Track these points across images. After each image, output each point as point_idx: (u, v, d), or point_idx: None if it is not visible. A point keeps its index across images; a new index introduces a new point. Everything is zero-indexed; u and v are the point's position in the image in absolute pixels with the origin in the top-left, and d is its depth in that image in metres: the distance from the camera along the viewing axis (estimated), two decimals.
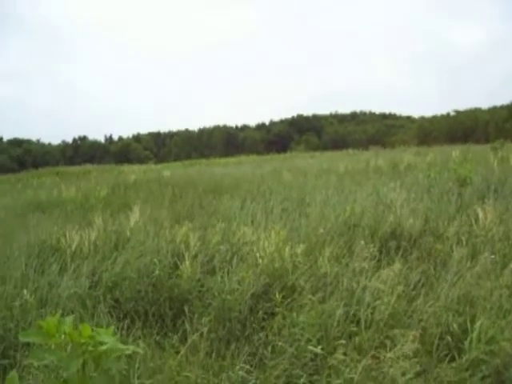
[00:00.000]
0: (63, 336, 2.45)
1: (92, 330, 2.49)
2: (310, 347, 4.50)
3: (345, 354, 4.44)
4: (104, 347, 2.40)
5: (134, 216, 9.34)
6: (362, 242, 7.28)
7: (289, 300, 5.70)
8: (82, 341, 2.41)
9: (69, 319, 2.54)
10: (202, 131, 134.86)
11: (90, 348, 2.43)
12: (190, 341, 4.94)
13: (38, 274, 7.07)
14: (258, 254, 6.79)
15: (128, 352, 2.53)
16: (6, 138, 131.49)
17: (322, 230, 8.00)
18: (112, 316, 5.77)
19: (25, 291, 6.08)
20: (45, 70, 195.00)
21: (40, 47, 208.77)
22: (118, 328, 5.32)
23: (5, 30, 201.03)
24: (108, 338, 2.45)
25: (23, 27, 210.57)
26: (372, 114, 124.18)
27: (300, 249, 6.97)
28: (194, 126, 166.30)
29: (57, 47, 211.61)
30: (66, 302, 6.01)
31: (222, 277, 6.31)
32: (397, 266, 6.31)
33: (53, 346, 2.46)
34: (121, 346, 2.48)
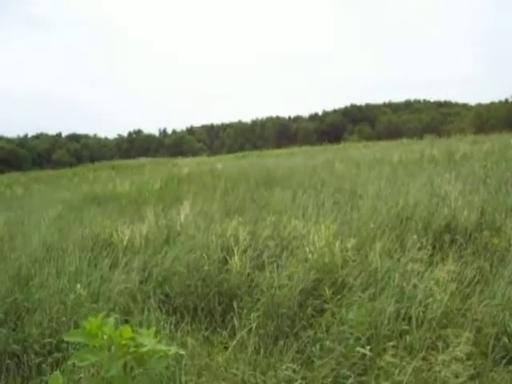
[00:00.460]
0: (105, 337, 2.46)
1: (134, 330, 2.49)
2: (358, 348, 4.40)
3: (394, 355, 4.33)
4: (145, 349, 2.39)
5: (185, 210, 9.39)
6: (415, 237, 7.10)
7: (338, 296, 5.61)
8: (123, 342, 2.40)
9: (111, 320, 2.55)
10: (254, 123, 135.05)
11: (132, 349, 2.43)
12: (238, 337, 4.92)
13: (92, 268, 7.20)
14: (307, 249, 6.72)
15: (170, 353, 2.52)
16: (64, 134, 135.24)
17: (372, 225, 7.84)
18: (162, 311, 5.80)
19: (78, 285, 6.19)
20: (101, 68, 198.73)
21: (95, 46, 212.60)
22: (167, 323, 5.37)
23: (62, 30, 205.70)
24: (149, 340, 2.44)
25: (78, 27, 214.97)
26: (427, 102, 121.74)
27: (351, 243, 6.87)
28: (247, 117, 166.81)
29: (110, 45, 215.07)
30: (117, 296, 6.09)
31: (271, 272, 6.27)
32: (450, 261, 6.13)
33: (96, 347, 2.47)
34: (162, 347, 2.47)
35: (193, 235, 7.98)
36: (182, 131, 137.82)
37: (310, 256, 6.54)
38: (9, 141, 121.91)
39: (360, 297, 5.42)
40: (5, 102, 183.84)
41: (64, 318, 5.59)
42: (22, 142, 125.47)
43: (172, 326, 5.33)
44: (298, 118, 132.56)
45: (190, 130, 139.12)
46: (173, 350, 2.52)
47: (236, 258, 6.61)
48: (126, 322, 5.55)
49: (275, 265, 6.47)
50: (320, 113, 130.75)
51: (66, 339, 2.51)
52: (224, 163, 29.11)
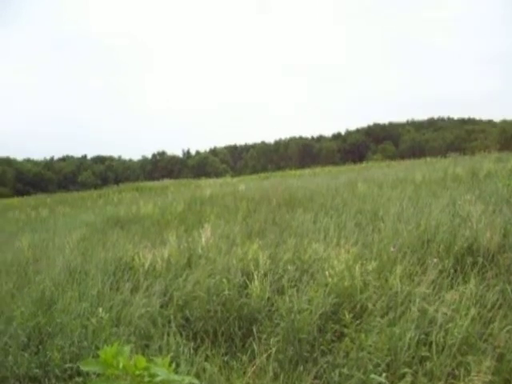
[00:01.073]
0: (121, 366, 2.49)
1: (148, 359, 2.51)
2: (373, 375, 4.36)
3: (414, 381, 4.29)
4: (159, 379, 2.41)
5: (206, 233, 9.44)
6: (436, 260, 7.04)
7: (358, 321, 5.58)
8: (137, 372, 2.43)
9: (127, 349, 2.57)
10: (278, 143, 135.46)
11: (146, 379, 2.45)
12: (257, 362, 4.92)
13: (113, 291, 7.27)
14: (327, 272, 6.70)
15: (184, 383, 2.53)
16: (90, 156, 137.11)
17: (392, 249, 7.80)
18: (182, 335, 5.82)
19: (100, 309, 6.25)
20: (124, 91, 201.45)
21: (116, 69, 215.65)
22: (187, 348, 5.39)
23: (86, 53, 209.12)
24: (163, 370, 2.46)
25: (98, 50, 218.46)
26: (450, 120, 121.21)
27: (371, 266, 6.83)
28: (270, 138, 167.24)
29: (132, 69, 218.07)
30: (137, 320, 6.13)
31: (291, 296, 6.25)
32: (472, 284, 6.06)
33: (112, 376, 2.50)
34: (176, 377, 2.49)
35: (214, 259, 8.01)
36: (205, 152, 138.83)
37: (329, 280, 6.52)
38: (36, 163, 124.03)
39: (380, 322, 5.39)
40: (33, 124, 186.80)
41: (85, 343, 5.65)
42: (49, 164, 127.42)
43: (192, 351, 5.35)
44: (320, 138, 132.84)
45: (214, 151, 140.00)
46: (187, 380, 2.54)
47: (256, 282, 6.61)
48: (146, 346, 5.59)
49: (295, 289, 6.46)
50: (343, 132, 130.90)
51: (81, 368, 2.54)
52: (247, 184, 29.18)
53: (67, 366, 5.30)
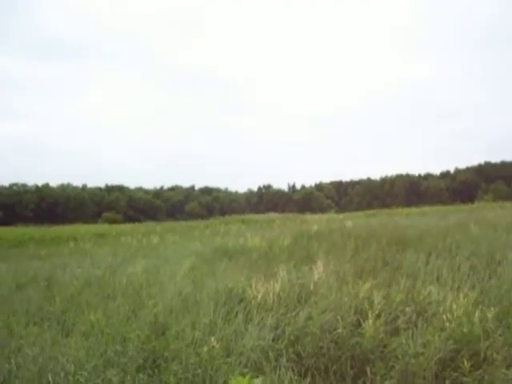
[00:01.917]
0: None
1: None
2: None
3: None
4: None
5: (318, 270, 9.40)
6: None
7: (479, 371, 5.33)
8: None
9: (258, 381, 2.62)
10: (383, 180, 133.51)
11: None
12: None
13: (225, 321, 7.38)
14: (444, 317, 6.47)
15: None
16: (197, 187, 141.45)
17: None
18: (293, 370, 5.80)
19: (212, 338, 6.36)
20: (229, 124, 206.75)
21: (218, 101, 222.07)
22: None
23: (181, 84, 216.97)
24: None
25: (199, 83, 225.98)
26: None
27: (491, 313, 6.53)
28: (376, 174, 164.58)
29: (242, 102, 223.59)
30: (249, 352, 6.17)
31: (406, 338, 6.09)
32: None
33: None
34: None
35: (325, 295, 7.96)
36: (310, 187, 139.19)
37: (447, 324, 6.29)
38: (146, 192, 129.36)
39: (504, 373, 5.12)
40: (144, 156, 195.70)
41: (199, 370, 5.75)
42: (159, 193, 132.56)
43: None
44: (428, 176, 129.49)
45: (319, 186, 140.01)
46: None
47: (370, 321, 6.50)
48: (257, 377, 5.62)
49: (410, 331, 6.29)
50: (452, 170, 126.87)
51: None
52: (353, 221, 28.87)
53: None
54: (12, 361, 6.27)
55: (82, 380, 5.54)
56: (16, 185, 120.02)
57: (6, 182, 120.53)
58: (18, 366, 6.13)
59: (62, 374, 5.74)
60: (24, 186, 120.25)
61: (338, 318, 6.74)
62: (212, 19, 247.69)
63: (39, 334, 7.64)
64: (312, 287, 8.69)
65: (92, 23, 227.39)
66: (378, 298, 7.30)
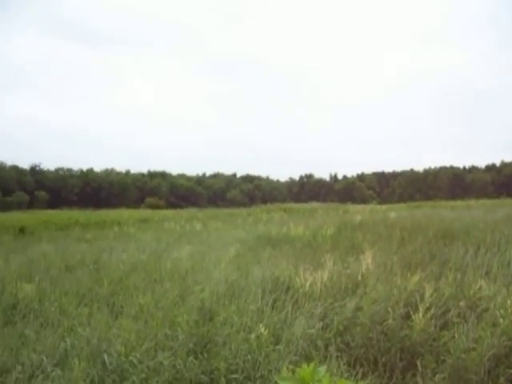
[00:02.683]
0: None
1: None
2: None
3: None
4: None
5: (366, 260, 9.36)
6: None
7: None
8: None
9: (322, 369, 2.62)
10: (427, 172, 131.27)
11: None
12: None
13: (272, 309, 7.41)
14: (497, 313, 6.36)
15: None
16: (239, 175, 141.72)
17: None
18: (342, 360, 5.80)
19: (260, 325, 6.40)
20: (273, 111, 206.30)
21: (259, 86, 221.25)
22: (349, 374, 5.36)
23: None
24: None
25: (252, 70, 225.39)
26: None
27: None
28: (419, 166, 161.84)
29: (271, 87, 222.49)
30: (298, 340, 6.19)
31: (457, 333, 6.02)
32: None
33: None
34: None
35: (374, 287, 7.91)
36: (352, 177, 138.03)
37: (500, 320, 6.18)
38: (189, 178, 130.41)
39: None
40: (186, 143, 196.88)
41: (249, 357, 5.80)
42: (200, 180, 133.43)
43: (353, 378, 5.31)
44: (472, 169, 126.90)
45: (361, 177, 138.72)
46: None
47: (420, 314, 6.44)
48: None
49: (461, 326, 6.20)
50: (498, 163, 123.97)
51: (278, 382, 2.61)
52: (396, 212, 28.58)
53: (232, 376, 5.48)
54: (67, 340, 6.43)
55: (134, 362, 5.64)
56: (62, 169, 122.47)
57: (52, 167, 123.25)
58: (73, 346, 6.28)
59: (115, 355, 5.86)
60: (69, 170, 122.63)
61: (389, 309, 6.70)
62: (261, 4, 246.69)
63: (90, 315, 7.81)
64: (360, 278, 8.65)
65: (134, 10, 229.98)
66: (429, 290, 7.21)
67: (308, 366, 2.58)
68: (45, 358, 5.90)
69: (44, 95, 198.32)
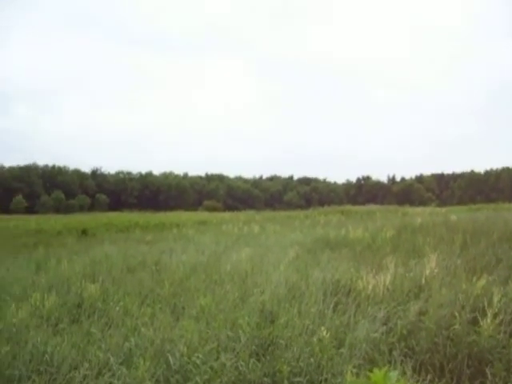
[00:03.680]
0: None
1: None
2: None
3: None
4: None
5: (430, 264, 9.17)
6: None
7: None
8: None
9: (394, 374, 2.57)
10: (488, 173, 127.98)
11: None
12: None
13: (334, 312, 7.34)
14: None
15: None
16: (296, 177, 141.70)
17: None
18: (406, 365, 5.68)
19: (322, 328, 6.35)
20: (329, 113, 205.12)
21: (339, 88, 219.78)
22: (414, 380, 5.25)
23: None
24: None
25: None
26: None
27: None
28: (480, 167, 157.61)
29: (329, 90, 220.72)
30: (361, 344, 6.10)
31: None
32: None
33: None
34: None
35: (438, 291, 7.73)
36: (410, 179, 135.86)
37: None
38: (246, 181, 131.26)
39: None
40: (243, 145, 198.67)
41: (312, 360, 5.76)
42: (257, 182, 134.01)
43: None
44: None
45: (420, 178, 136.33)
46: None
47: (488, 320, 6.25)
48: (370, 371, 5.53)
49: None
50: None
51: None
52: (457, 215, 27.89)
53: (296, 379, 5.45)
54: (131, 339, 6.54)
55: (198, 362, 5.68)
56: (122, 172, 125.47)
57: (112, 170, 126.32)
58: (137, 345, 6.38)
59: (178, 356, 5.92)
60: (129, 173, 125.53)
61: (456, 314, 6.53)
62: (310, 4, 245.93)
63: (152, 315, 7.92)
64: (423, 282, 8.48)
65: (208, 18, 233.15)
66: (498, 295, 6.98)
67: (380, 370, 2.53)
68: (111, 357, 6.02)
69: (105, 100, 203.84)
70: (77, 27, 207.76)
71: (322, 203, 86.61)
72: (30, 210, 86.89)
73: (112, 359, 5.95)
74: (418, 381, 5.31)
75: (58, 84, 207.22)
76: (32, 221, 41.67)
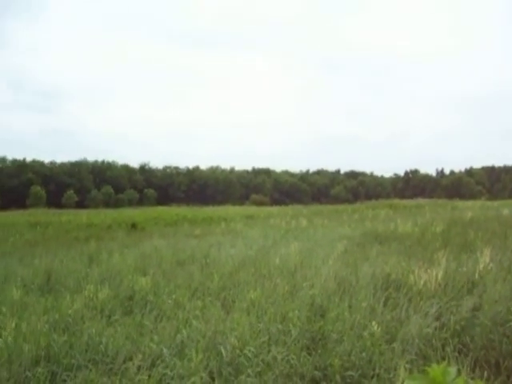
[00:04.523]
0: None
1: None
2: None
3: None
4: None
5: (484, 258, 9.00)
6: None
7: None
8: None
9: (452, 370, 2.53)
10: None
11: None
12: None
13: (384, 306, 7.29)
14: None
15: None
16: (342, 171, 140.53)
17: None
18: (460, 361, 5.59)
19: (373, 323, 6.31)
20: (377, 106, 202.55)
21: (370, 83, 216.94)
22: (469, 377, 5.17)
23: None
24: None
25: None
26: None
27: None
28: None
29: (376, 81, 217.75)
30: (413, 339, 6.04)
31: None
32: None
33: None
34: None
35: (493, 286, 7.58)
36: (460, 172, 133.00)
37: None
38: (292, 175, 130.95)
39: None
40: (290, 139, 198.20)
41: (363, 354, 5.73)
42: (304, 176, 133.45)
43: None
44: None
45: (469, 172, 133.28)
46: None
47: None
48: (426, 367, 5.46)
49: None
50: None
51: (407, 382, 2.56)
52: (509, 209, 27.22)
53: (347, 373, 5.44)
54: (183, 332, 6.63)
55: (249, 355, 5.73)
56: (169, 167, 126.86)
57: (160, 165, 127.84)
58: (189, 337, 6.47)
59: (230, 348, 5.98)
60: (176, 168, 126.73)
61: None
62: None
63: (203, 308, 8.00)
64: (477, 277, 8.33)
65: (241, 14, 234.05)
66: None
67: (438, 366, 2.50)
68: (164, 348, 6.12)
69: (152, 97, 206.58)
70: (125, 26, 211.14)
71: (369, 197, 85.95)
72: (80, 205, 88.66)
73: (165, 351, 6.05)
74: (472, 378, 5.22)
75: (106, 82, 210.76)
76: (83, 215, 42.53)
